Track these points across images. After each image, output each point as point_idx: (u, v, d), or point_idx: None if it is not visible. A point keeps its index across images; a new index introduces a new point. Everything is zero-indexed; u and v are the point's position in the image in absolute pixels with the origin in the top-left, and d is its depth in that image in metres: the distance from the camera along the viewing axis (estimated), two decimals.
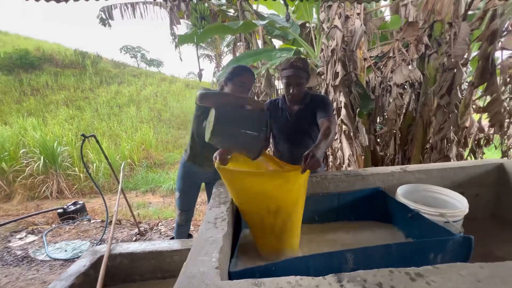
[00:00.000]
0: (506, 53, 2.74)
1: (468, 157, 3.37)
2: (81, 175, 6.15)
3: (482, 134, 3.40)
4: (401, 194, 1.43)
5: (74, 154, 6.44)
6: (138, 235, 2.73)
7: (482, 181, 1.63)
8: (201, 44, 15.31)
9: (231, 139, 1.11)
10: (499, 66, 2.75)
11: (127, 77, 14.14)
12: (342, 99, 2.39)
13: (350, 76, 2.39)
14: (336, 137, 2.75)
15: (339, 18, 2.28)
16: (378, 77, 3.32)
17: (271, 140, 1.65)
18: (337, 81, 2.25)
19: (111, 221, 2.00)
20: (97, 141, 2.40)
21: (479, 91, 2.98)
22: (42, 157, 5.83)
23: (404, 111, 3.34)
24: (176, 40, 3.00)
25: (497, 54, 2.89)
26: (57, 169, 5.95)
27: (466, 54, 2.41)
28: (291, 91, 1.51)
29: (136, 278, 1.64)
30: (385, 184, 1.60)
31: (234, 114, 1.12)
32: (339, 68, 2.25)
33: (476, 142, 3.51)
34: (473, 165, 1.64)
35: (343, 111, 2.43)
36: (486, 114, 2.38)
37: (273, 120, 1.63)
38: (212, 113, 1.10)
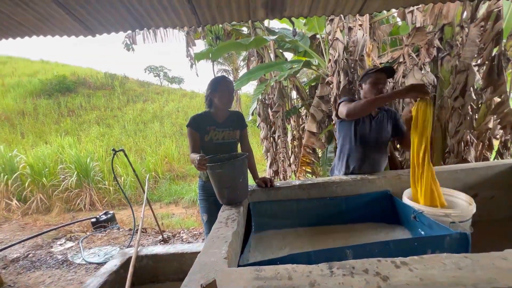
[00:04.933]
0: None
1: (495, 160, 3.21)
2: (111, 188, 6.61)
3: (509, 136, 3.23)
4: (408, 196, 1.46)
5: (105, 169, 6.97)
6: (162, 242, 2.91)
7: (496, 183, 1.60)
8: (218, 60, 15.98)
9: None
10: None
11: (151, 95, 15.08)
12: None
13: (355, 84, 2.46)
14: None
15: (340, 31, 2.38)
16: (389, 82, 3.33)
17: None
18: (340, 90, 2.34)
19: (137, 229, 2.20)
20: (125, 155, 2.66)
21: None
22: (76, 172, 6.37)
23: None
24: (192, 60, 3.27)
25: None
26: (89, 183, 6.46)
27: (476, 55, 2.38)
28: (378, 88, 1.63)
29: (160, 278, 1.79)
30: (393, 187, 1.63)
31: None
32: (341, 77, 2.34)
33: (502, 143, 3.34)
34: (485, 166, 1.63)
35: None
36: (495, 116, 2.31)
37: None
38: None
